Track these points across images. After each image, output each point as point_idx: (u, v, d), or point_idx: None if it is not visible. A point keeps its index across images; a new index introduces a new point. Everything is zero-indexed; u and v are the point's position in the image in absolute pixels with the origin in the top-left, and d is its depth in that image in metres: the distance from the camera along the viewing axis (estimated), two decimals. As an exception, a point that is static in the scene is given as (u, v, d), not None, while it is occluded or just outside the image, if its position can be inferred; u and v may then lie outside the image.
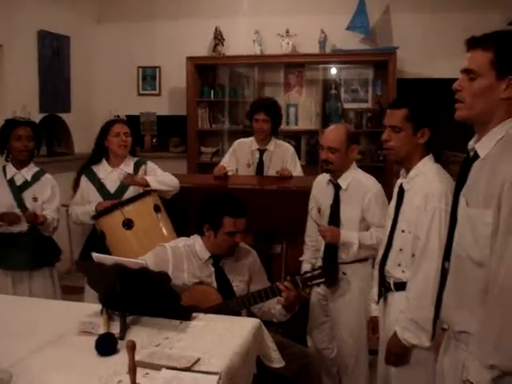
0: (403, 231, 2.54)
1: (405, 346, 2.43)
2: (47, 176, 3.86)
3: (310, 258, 3.48)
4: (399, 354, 2.47)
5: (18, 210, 3.67)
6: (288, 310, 2.90)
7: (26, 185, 3.75)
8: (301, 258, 3.54)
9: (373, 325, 2.88)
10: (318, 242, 3.37)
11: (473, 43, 1.85)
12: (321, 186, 3.40)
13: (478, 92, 1.81)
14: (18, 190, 3.72)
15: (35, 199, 3.74)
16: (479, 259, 1.76)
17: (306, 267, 3.40)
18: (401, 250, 2.55)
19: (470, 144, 1.89)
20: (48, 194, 3.81)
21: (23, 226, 3.68)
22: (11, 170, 3.75)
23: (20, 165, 3.76)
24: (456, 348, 1.89)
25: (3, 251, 3.68)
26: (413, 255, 2.51)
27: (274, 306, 2.93)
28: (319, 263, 3.29)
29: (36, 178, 3.79)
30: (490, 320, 1.70)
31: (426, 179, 2.50)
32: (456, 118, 1.88)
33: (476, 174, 1.83)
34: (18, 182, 3.73)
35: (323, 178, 3.40)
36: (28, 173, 3.78)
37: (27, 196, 3.73)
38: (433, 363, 2.21)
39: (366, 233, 3.18)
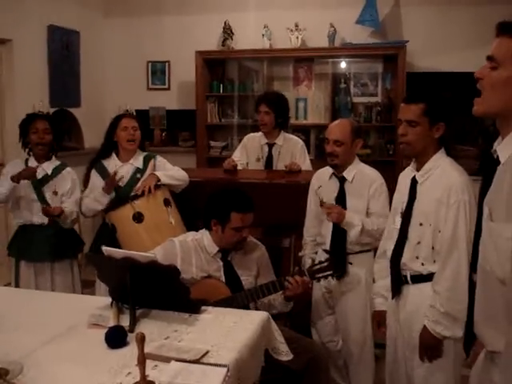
0: (421, 224, 2.54)
1: (436, 339, 2.44)
2: (68, 169, 3.91)
3: (310, 252, 3.51)
4: (433, 347, 2.47)
5: (38, 204, 3.73)
6: (288, 300, 2.93)
7: (47, 179, 3.80)
8: (300, 254, 3.57)
9: (378, 319, 2.89)
10: (324, 236, 3.38)
11: (502, 29, 1.67)
12: (322, 180, 3.44)
13: (497, 83, 1.64)
14: (38, 184, 3.76)
15: (55, 193, 3.79)
16: (501, 276, 1.60)
17: (307, 262, 3.42)
18: (419, 243, 2.55)
19: (495, 145, 1.70)
20: (68, 187, 3.86)
21: (45, 219, 3.73)
22: (33, 163, 3.80)
23: (41, 158, 3.82)
24: (489, 366, 1.75)
25: (26, 244, 3.75)
26: (432, 248, 2.52)
27: (274, 297, 2.95)
28: (321, 257, 3.30)
29: (57, 171, 3.85)
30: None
31: (443, 172, 2.51)
32: (473, 113, 1.72)
33: (498, 182, 1.66)
34: (39, 175, 3.78)
35: (324, 173, 3.45)
36: (49, 167, 3.83)
37: (48, 190, 3.78)
38: (461, 353, 2.19)
39: (368, 219, 3.23)
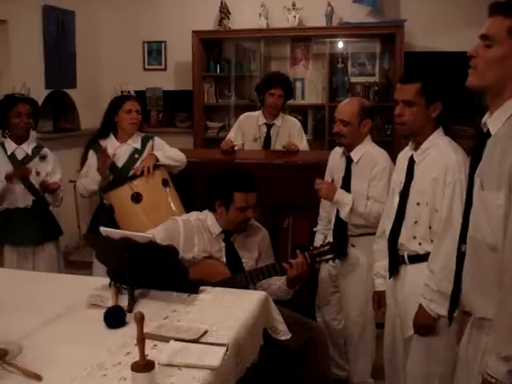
0: (418, 203, 2.54)
1: (432, 318, 2.44)
2: (46, 149, 3.89)
3: (323, 228, 3.50)
4: (427, 325, 2.48)
5: (21, 186, 3.70)
6: (290, 286, 2.90)
7: (28, 159, 3.77)
8: (314, 229, 3.56)
9: (378, 299, 2.90)
10: (330, 214, 3.38)
11: (495, 8, 1.73)
12: (335, 158, 3.43)
13: (491, 60, 1.71)
14: (19, 165, 3.73)
15: (38, 173, 3.76)
16: (493, 243, 1.70)
17: (319, 237, 3.44)
18: (416, 222, 2.55)
19: (484, 119, 1.81)
20: (50, 167, 3.84)
21: (28, 202, 3.72)
22: (11, 145, 3.76)
23: (19, 140, 3.78)
24: (478, 336, 1.83)
25: (10, 227, 3.71)
26: (429, 227, 2.52)
27: (276, 282, 2.95)
28: (329, 238, 3.30)
29: (36, 151, 3.82)
30: (503, 310, 1.63)
31: (440, 151, 2.50)
32: (467, 84, 1.79)
33: (488, 153, 1.75)
34: (20, 156, 3.76)
35: (338, 151, 3.42)
36: (28, 147, 3.80)
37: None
38: (454, 334, 2.20)
39: (362, 201, 3.19)
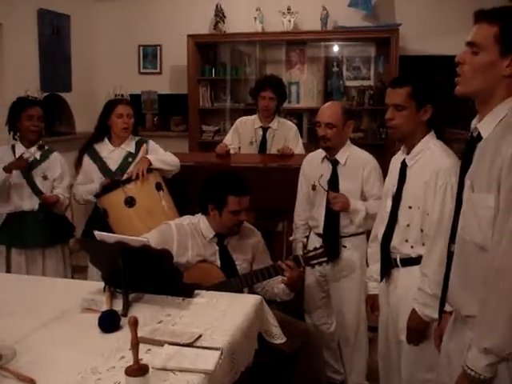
0: (410, 207, 2.55)
1: (425, 322, 2.43)
2: (55, 154, 3.88)
3: (301, 236, 3.51)
4: (420, 330, 2.47)
5: (28, 189, 3.71)
6: (291, 289, 2.92)
7: (35, 163, 3.76)
8: (291, 238, 3.57)
9: (372, 302, 2.90)
10: (316, 220, 3.38)
11: (480, 16, 1.77)
12: (314, 164, 3.42)
13: (479, 67, 1.74)
14: (27, 169, 3.72)
15: (45, 177, 3.76)
16: (482, 243, 1.73)
17: (299, 246, 3.44)
18: (408, 225, 2.56)
19: (473, 123, 1.84)
20: (58, 172, 3.83)
21: (35, 205, 3.72)
22: (20, 148, 3.75)
23: (29, 143, 3.77)
24: (462, 331, 1.86)
25: (17, 230, 3.71)
26: (421, 230, 2.53)
27: (278, 285, 2.95)
28: (314, 241, 3.31)
29: (45, 156, 3.82)
30: (486, 303, 1.66)
31: (432, 155, 2.51)
32: (455, 92, 1.83)
33: (479, 156, 1.77)
34: (28, 160, 3.73)
35: (316, 156, 3.43)
36: (37, 151, 3.79)
37: (37, 174, 3.75)
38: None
39: (369, 202, 3.22)
